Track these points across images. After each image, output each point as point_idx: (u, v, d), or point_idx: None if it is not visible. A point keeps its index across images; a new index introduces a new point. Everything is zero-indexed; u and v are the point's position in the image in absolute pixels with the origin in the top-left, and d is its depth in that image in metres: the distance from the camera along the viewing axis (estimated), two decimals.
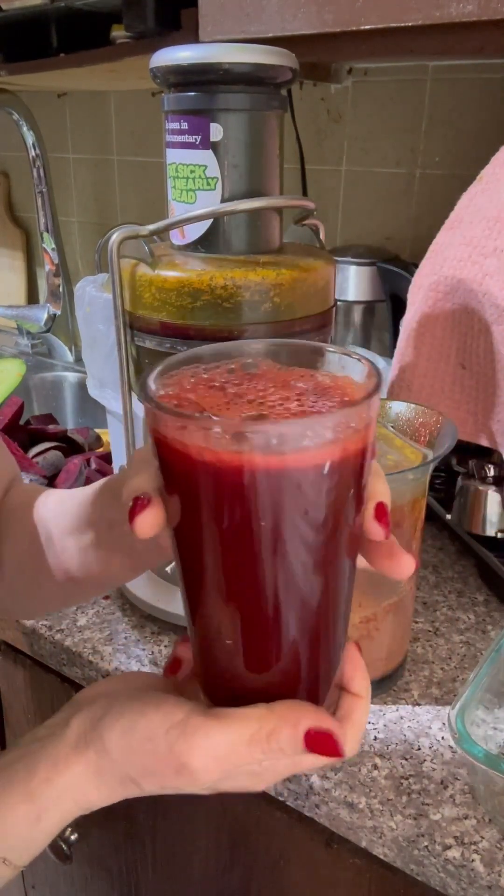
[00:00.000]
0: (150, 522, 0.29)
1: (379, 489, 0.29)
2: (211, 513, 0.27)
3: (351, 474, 0.27)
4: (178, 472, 0.27)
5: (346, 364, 0.30)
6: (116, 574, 0.42)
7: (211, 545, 0.28)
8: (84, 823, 0.74)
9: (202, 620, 0.31)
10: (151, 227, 0.49)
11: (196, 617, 0.31)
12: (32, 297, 1.52)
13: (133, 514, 0.29)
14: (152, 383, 0.28)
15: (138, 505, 0.29)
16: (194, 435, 0.25)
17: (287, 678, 0.30)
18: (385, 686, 0.57)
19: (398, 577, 0.30)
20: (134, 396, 0.54)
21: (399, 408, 0.56)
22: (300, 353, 0.32)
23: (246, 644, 0.29)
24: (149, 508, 0.29)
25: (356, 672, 0.32)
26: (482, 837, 0.45)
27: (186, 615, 0.32)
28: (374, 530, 0.29)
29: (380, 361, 0.82)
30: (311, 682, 0.31)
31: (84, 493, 0.42)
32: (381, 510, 0.29)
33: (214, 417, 0.27)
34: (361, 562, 0.31)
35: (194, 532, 0.28)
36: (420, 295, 0.65)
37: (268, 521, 0.26)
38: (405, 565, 0.30)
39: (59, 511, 0.43)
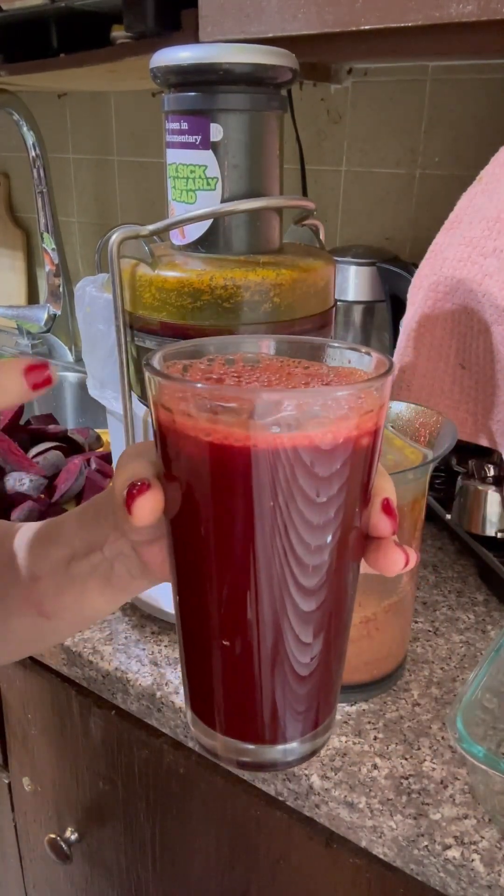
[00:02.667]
0: (150, 506, 0.27)
1: (385, 486, 0.29)
2: (216, 494, 0.25)
3: (360, 458, 0.26)
4: (182, 450, 0.25)
5: (353, 357, 0.29)
6: (92, 605, 0.37)
7: (213, 531, 0.26)
8: (84, 823, 0.74)
9: (197, 619, 0.29)
10: (151, 227, 0.49)
11: (190, 617, 0.29)
12: (32, 298, 1.52)
13: (131, 498, 0.27)
14: (156, 360, 0.27)
15: (136, 489, 0.27)
16: (203, 404, 0.24)
17: (289, 684, 0.28)
18: (385, 686, 0.57)
19: (388, 573, 0.29)
20: (134, 396, 0.54)
21: (399, 408, 0.56)
22: (303, 348, 0.31)
23: (246, 645, 0.27)
24: (148, 492, 0.27)
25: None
26: (482, 837, 0.45)
27: (177, 617, 0.30)
28: (382, 524, 0.28)
29: None
30: (316, 686, 0.29)
31: (59, 518, 0.39)
32: (387, 505, 0.28)
33: (226, 385, 0.26)
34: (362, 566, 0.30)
35: (196, 518, 0.26)
36: (420, 295, 0.65)
37: (275, 501, 0.25)
38: (394, 560, 0.29)
39: (30, 538, 0.38)
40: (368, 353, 0.29)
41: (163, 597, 0.63)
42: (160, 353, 0.28)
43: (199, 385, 0.26)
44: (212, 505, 0.26)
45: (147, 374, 0.26)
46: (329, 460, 0.25)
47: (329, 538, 0.26)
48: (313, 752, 0.31)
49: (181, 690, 0.57)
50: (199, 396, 0.24)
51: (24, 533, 0.39)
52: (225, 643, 0.28)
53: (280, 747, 0.30)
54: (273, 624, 0.27)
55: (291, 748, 0.30)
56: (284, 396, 0.25)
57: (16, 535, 0.39)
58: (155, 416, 0.27)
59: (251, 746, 0.30)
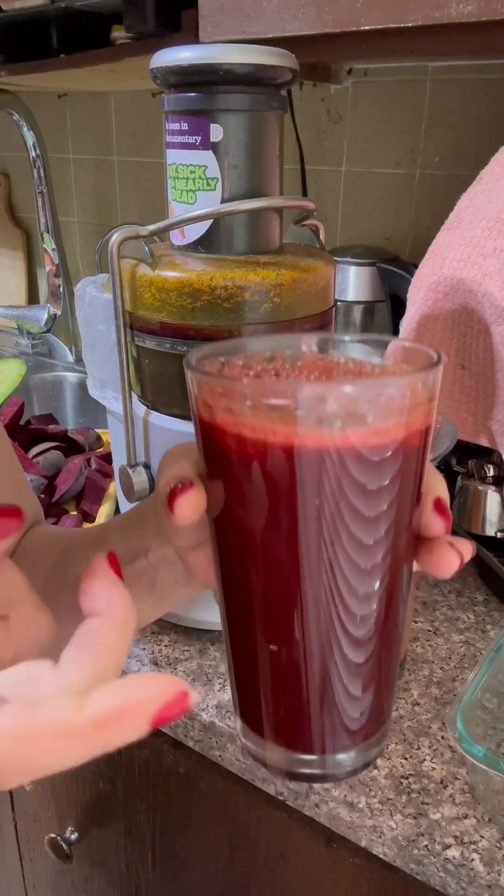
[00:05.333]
0: (193, 505, 0.27)
1: (437, 485, 0.28)
2: (260, 493, 0.24)
3: (412, 453, 0.25)
4: (224, 448, 0.24)
5: (398, 351, 0.28)
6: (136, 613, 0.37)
7: (258, 531, 0.25)
8: (84, 823, 0.74)
9: (243, 624, 0.28)
10: (152, 227, 0.49)
11: (235, 621, 0.28)
12: (33, 298, 1.52)
13: (173, 497, 0.27)
14: (194, 357, 0.26)
15: (179, 488, 0.27)
16: (245, 400, 0.23)
17: (340, 690, 0.27)
18: None
19: (443, 575, 0.28)
20: (134, 396, 0.54)
21: None
22: (345, 345, 0.29)
23: (295, 650, 0.26)
24: (191, 490, 0.27)
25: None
26: (482, 837, 0.45)
27: (223, 622, 0.29)
28: (435, 524, 0.27)
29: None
30: (369, 693, 0.28)
31: (105, 524, 0.39)
32: (440, 504, 0.27)
33: (269, 380, 0.25)
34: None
35: (239, 518, 0.25)
36: (420, 295, 0.65)
37: (322, 500, 0.23)
38: (448, 561, 0.27)
39: (77, 543, 0.39)
40: (413, 346, 0.27)
41: None
42: (200, 351, 0.27)
43: (242, 380, 0.24)
44: (256, 505, 0.25)
45: (187, 372, 0.25)
46: (380, 456, 0.23)
47: (380, 537, 0.25)
48: (366, 765, 0.29)
49: None
50: (242, 392, 0.23)
51: (74, 538, 0.39)
52: (273, 647, 0.26)
53: (331, 757, 0.28)
54: (323, 627, 0.26)
55: (342, 759, 0.28)
56: (331, 389, 0.23)
57: (66, 539, 0.40)
58: (196, 413, 0.26)
59: (302, 756, 0.28)
